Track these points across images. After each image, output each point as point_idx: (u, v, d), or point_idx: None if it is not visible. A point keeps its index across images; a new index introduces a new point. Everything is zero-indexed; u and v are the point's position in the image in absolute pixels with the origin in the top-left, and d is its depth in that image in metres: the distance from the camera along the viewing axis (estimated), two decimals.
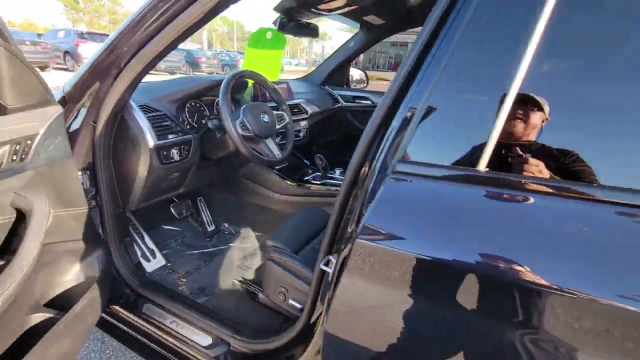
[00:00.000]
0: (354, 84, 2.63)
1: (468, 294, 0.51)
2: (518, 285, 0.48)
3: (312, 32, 1.73)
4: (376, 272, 0.57)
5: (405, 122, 0.59)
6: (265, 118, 1.34)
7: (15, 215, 0.76)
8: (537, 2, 0.50)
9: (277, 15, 1.62)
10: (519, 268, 0.48)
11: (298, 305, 1.03)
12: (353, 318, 0.65)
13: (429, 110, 0.57)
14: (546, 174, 0.51)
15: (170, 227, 1.74)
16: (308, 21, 1.67)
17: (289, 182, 1.73)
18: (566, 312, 0.46)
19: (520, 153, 0.52)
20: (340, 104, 2.29)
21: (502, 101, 0.51)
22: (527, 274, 0.47)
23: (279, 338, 0.94)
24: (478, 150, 0.53)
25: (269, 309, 1.21)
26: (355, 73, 2.64)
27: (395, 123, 0.60)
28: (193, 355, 1.04)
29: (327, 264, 0.73)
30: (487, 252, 0.50)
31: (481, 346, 0.54)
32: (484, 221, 0.51)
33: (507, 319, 0.50)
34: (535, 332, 0.48)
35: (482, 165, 0.52)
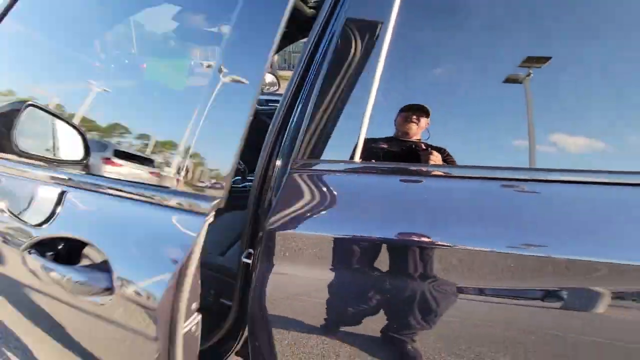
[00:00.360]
0: (266, 87, 2.71)
1: (363, 262, 0.65)
2: (395, 246, 0.63)
3: None
4: (285, 254, 0.68)
5: (299, 122, 0.71)
6: None
7: None
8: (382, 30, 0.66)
9: None
10: (391, 235, 0.63)
11: (229, 303, 1.08)
12: (272, 302, 0.73)
13: (315, 113, 0.70)
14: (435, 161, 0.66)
15: None
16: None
17: None
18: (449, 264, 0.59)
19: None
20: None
21: (365, 104, 0.66)
22: (397, 237, 0.63)
23: (213, 335, 0.99)
24: (354, 145, 0.67)
25: (203, 312, 1.23)
26: (266, 77, 2.73)
27: (291, 123, 0.72)
28: None
29: (248, 257, 0.81)
30: (371, 226, 0.65)
31: (382, 306, 0.65)
32: (362, 202, 0.67)
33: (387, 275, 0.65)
34: (421, 285, 0.60)
35: (357, 157, 0.67)
